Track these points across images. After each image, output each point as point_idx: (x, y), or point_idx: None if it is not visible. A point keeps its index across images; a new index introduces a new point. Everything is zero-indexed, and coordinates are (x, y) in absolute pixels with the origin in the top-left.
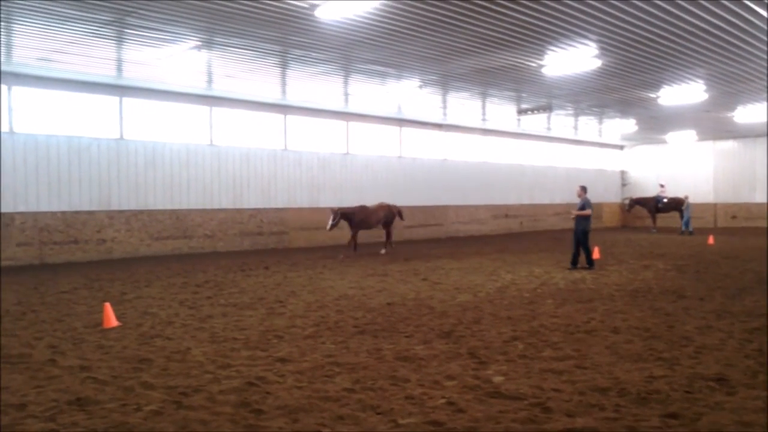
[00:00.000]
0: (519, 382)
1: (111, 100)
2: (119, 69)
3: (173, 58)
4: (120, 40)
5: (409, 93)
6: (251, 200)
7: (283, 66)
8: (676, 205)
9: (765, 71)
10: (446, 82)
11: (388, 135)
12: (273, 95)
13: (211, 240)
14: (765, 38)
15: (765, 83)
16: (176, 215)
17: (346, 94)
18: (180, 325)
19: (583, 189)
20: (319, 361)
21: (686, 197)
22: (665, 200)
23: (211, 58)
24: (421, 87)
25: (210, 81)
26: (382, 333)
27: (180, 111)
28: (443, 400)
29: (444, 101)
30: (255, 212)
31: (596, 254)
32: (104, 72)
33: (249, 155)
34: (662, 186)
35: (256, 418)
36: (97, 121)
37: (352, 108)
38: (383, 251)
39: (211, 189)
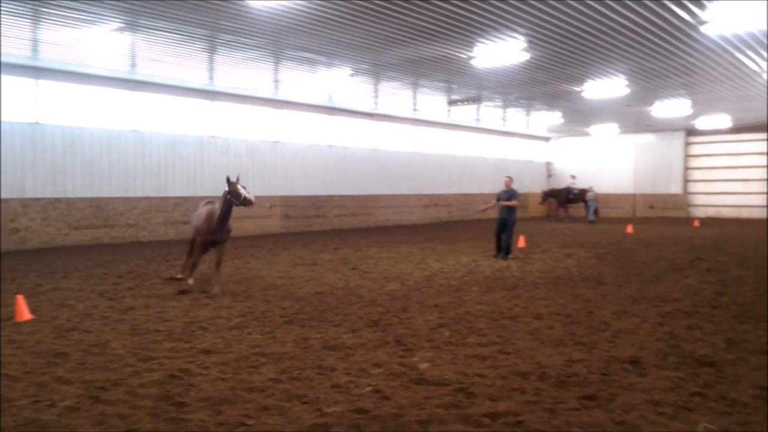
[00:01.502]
0: (444, 368)
1: (26, 82)
2: (35, 49)
3: (94, 39)
4: (36, 18)
5: (341, 81)
6: (176, 188)
7: (211, 51)
8: (586, 196)
9: (682, 68)
10: (377, 71)
11: (319, 123)
12: (200, 80)
13: (134, 229)
14: (682, 36)
15: (681, 80)
16: (96, 203)
17: (276, 81)
18: (99, 318)
19: (510, 179)
20: (245, 351)
21: (591, 188)
22: (576, 191)
23: (135, 40)
24: (352, 75)
25: (134, 65)
26: (310, 322)
27: (101, 95)
28: (369, 388)
29: (375, 90)
30: (180, 200)
31: (521, 243)
32: (18, 52)
33: (174, 142)
34: (573, 177)
35: (177, 411)
36: (11, 104)
37: (283, 95)
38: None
39: (134, 176)
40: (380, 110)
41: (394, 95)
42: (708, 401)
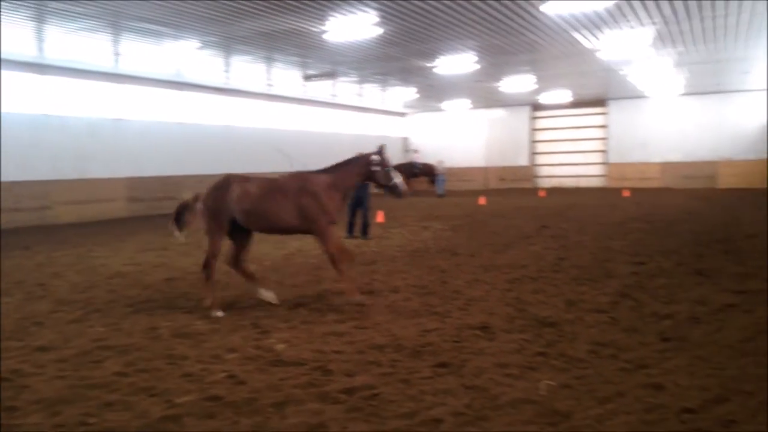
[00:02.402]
0: (301, 347)
1: None
2: None
3: None
4: None
5: (188, 55)
6: (7, 172)
7: (39, 20)
8: (430, 170)
9: (526, 45)
10: (228, 44)
11: (167, 99)
12: (28, 53)
13: None
14: (524, 14)
15: (526, 57)
16: None
17: (117, 54)
18: None
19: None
20: (86, 346)
21: (440, 162)
22: (420, 166)
23: None
24: (200, 48)
25: None
26: (159, 311)
27: None
28: (223, 374)
29: (226, 64)
30: (11, 185)
31: (381, 218)
32: None
33: (2, 122)
34: (416, 152)
35: (8, 416)
36: None
37: (125, 69)
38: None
39: None
40: (232, 85)
41: (247, 69)
42: (549, 359)
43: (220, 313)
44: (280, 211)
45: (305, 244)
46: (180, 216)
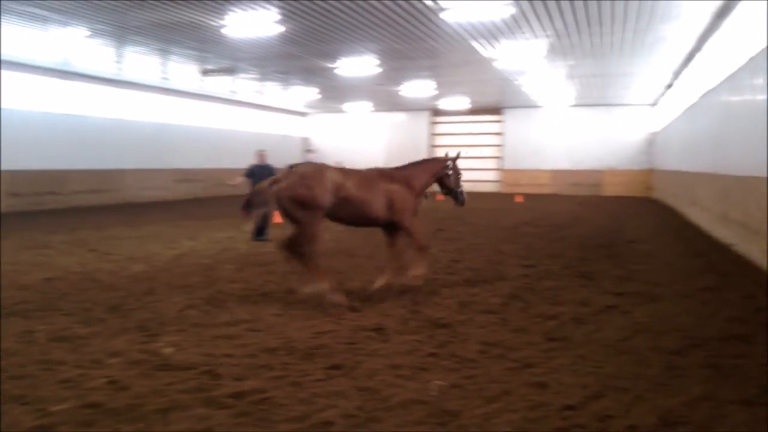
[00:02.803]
0: (190, 351)
1: None
2: None
3: None
4: None
5: (77, 43)
6: None
7: None
8: None
9: (426, 51)
10: (121, 34)
11: (53, 89)
12: None
13: None
14: (425, 21)
15: (426, 62)
16: None
17: None
18: None
19: (265, 153)
20: None
21: (338, 163)
22: None
23: None
24: (90, 37)
25: None
26: (35, 313)
27: None
28: (104, 380)
29: (119, 55)
30: None
31: (278, 218)
32: None
33: None
34: (313, 152)
35: None
36: None
37: (6, 55)
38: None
39: None
40: (125, 77)
41: (141, 61)
42: (441, 360)
43: (340, 298)
44: (373, 203)
45: (199, 243)
46: (252, 203)
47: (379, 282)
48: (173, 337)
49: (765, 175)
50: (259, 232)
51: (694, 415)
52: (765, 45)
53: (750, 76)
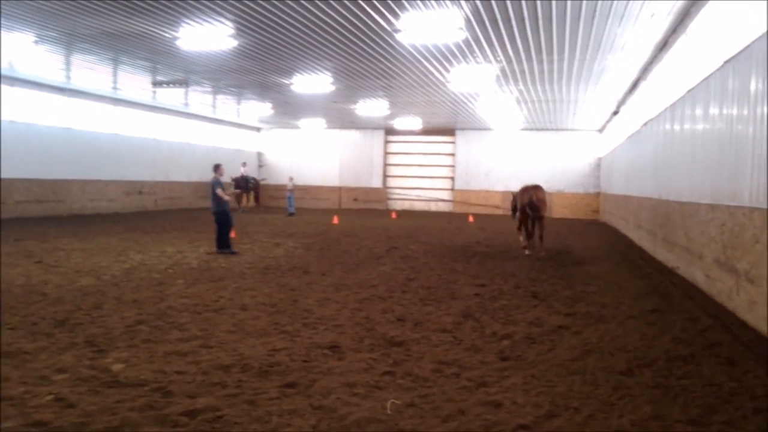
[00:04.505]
0: (140, 368)
1: None
2: None
3: None
4: None
5: (22, 48)
6: None
7: None
8: (256, 185)
9: (380, 71)
10: (69, 41)
11: None
12: None
13: None
14: (380, 41)
15: (380, 82)
16: None
17: None
18: None
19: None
20: None
21: (290, 179)
22: (252, 180)
23: None
24: (36, 43)
25: None
26: None
27: None
28: (50, 397)
29: (66, 62)
30: None
31: (232, 233)
32: None
33: None
34: (244, 165)
35: None
36: None
37: None
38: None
39: None
40: (74, 85)
41: (90, 70)
42: (396, 378)
43: (528, 252)
44: (542, 205)
45: (149, 257)
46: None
47: None
48: (123, 353)
49: (704, 201)
50: (220, 245)
51: None
52: (702, 77)
53: (690, 106)
